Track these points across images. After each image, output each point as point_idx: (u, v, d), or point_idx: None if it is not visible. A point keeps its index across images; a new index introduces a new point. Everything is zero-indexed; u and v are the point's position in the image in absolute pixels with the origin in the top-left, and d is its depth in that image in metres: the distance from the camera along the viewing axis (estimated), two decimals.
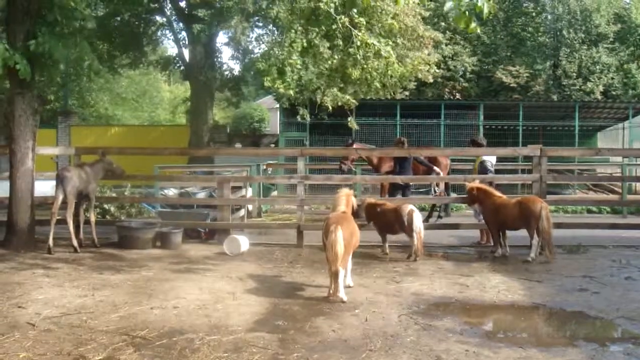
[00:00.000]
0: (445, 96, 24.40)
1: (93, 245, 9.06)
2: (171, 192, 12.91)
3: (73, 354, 4.52)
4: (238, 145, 23.45)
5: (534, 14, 26.93)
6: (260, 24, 22.88)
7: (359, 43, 9.09)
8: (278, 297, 6.26)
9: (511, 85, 24.47)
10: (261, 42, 23.14)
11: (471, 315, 5.80)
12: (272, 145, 23.87)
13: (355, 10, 9.14)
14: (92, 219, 9.30)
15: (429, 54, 17.55)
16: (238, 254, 8.67)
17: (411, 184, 11.86)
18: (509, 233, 8.86)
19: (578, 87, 24.52)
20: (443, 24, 23.79)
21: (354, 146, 12.90)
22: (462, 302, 6.21)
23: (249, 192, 13.12)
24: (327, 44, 9.59)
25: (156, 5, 23.31)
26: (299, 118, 14.14)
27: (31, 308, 5.68)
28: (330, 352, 4.62)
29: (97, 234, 9.24)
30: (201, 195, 12.39)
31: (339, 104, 12.87)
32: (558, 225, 9.27)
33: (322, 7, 8.93)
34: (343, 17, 9.03)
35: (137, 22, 23.69)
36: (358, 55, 9.34)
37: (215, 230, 10.00)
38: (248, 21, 20.16)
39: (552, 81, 25.43)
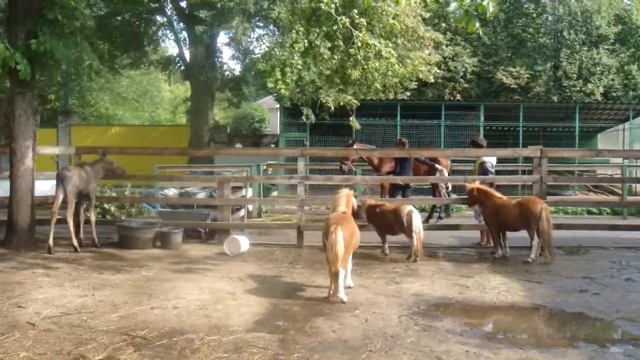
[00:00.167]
0: (446, 97, 24.43)
1: (93, 245, 9.05)
2: (171, 192, 12.91)
3: (73, 353, 4.51)
4: (238, 145, 23.45)
5: (534, 15, 26.93)
6: (261, 24, 22.89)
7: (359, 44, 9.10)
8: (278, 297, 6.26)
9: (511, 86, 24.49)
10: (262, 43, 23.20)
11: (471, 316, 5.80)
12: (273, 145, 23.87)
13: (356, 11, 9.15)
14: (93, 218, 9.30)
15: (429, 54, 17.56)
16: (238, 254, 8.67)
17: (412, 184, 11.88)
18: (509, 234, 8.87)
19: (578, 88, 24.53)
20: (444, 24, 23.84)
21: (355, 147, 12.91)
22: (462, 303, 6.21)
23: (249, 193, 13.12)
24: (329, 45, 9.59)
25: (157, 5, 23.32)
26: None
27: (31, 308, 5.68)
28: (330, 353, 4.62)
29: (97, 233, 9.24)
30: (201, 195, 12.39)
31: (341, 103, 12.88)
32: (558, 226, 9.27)
33: (323, 7, 8.94)
34: (344, 17, 9.04)
35: (137, 22, 23.71)
36: (359, 56, 9.35)
37: (215, 231, 10.00)
38: (249, 22, 20.15)
39: (553, 82, 25.44)
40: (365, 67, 9.78)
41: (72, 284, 6.64)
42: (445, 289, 6.76)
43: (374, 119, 20.38)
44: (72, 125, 24.03)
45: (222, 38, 40.04)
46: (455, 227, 10.35)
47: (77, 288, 6.47)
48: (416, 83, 20.93)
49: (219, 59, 26.15)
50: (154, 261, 8.09)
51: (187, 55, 24.31)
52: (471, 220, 10.72)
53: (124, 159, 10.66)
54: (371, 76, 10.19)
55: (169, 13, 24.35)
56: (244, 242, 8.86)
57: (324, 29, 9.39)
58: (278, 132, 23.22)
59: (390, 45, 9.58)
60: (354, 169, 14.25)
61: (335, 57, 9.80)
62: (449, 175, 12.41)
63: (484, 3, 5.02)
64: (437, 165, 11.60)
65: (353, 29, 9.07)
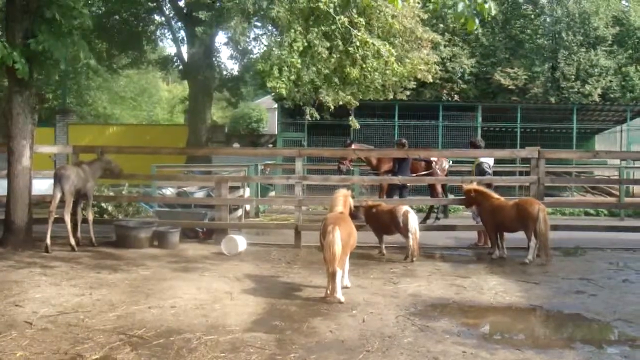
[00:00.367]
0: (444, 98, 24.41)
1: (90, 244, 9.05)
2: (169, 191, 12.89)
3: (70, 352, 4.51)
4: (236, 145, 23.45)
5: (532, 16, 26.93)
6: (259, 24, 22.87)
7: (358, 43, 9.10)
8: (275, 297, 6.26)
9: (509, 87, 24.49)
10: (260, 42, 23.18)
11: (468, 317, 5.81)
12: (270, 145, 23.86)
13: (354, 10, 9.16)
14: (90, 217, 9.29)
15: (427, 54, 17.55)
16: (235, 254, 8.67)
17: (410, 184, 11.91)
18: (506, 235, 8.88)
19: (576, 89, 24.54)
20: (442, 25, 23.82)
21: (353, 147, 12.91)
22: (459, 304, 6.22)
23: (247, 192, 13.11)
24: (327, 44, 9.59)
25: (155, 4, 23.30)
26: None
27: (28, 307, 5.67)
28: (327, 353, 4.62)
29: (95, 232, 9.23)
30: (199, 194, 12.38)
31: (340, 103, 12.88)
32: (555, 228, 9.29)
33: (322, 7, 8.95)
34: (342, 17, 9.05)
35: (135, 21, 23.71)
36: (357, 55, 9.35)
37: (212, 230, 9.99)
38: (248, 22, 20.14)
39: (551, 83, 25.45)
40: (364, 65, 9.79)
41: (69, 283, 6.63)
42: (443, 290, 6.77)
43: (371, 119, 20.38)
44: (70, 124, 23.99)
45: (221, 37, 40.09)
46: (453, 227, 10.37)
47: (74, 287, 6.46)
48: (414, 83, 20.92)
49: (217, 59, 26.15)
50: (151, 260, 8.09)
51: (185, 54, 24.31)
52: (468, 220, 10.73)
53: (121, 158, 10.65)
54: (370, 75, 10.19)
55: (167, 12, 24.34)
56: (241, 241, 8.86)
57: (323, 28, 9.39)
58: (276, 132, 23.21)
59: (387, 45, 9.59)
60: (352, 169, 14.24)
61: (334, 56, 9.81)
62: (446, 176, 12.44)
63: (486, 6, 5.00)
64: (432, 159, 11.74)
65: (351, 28, 9.07)
